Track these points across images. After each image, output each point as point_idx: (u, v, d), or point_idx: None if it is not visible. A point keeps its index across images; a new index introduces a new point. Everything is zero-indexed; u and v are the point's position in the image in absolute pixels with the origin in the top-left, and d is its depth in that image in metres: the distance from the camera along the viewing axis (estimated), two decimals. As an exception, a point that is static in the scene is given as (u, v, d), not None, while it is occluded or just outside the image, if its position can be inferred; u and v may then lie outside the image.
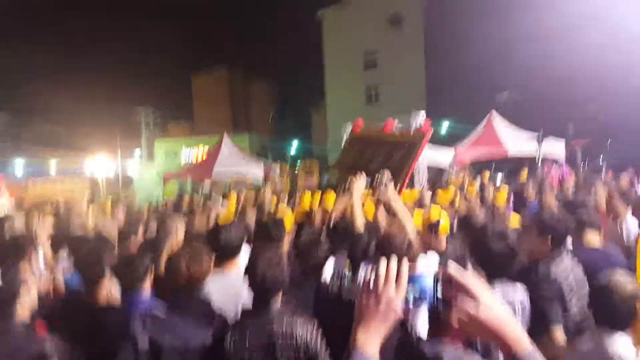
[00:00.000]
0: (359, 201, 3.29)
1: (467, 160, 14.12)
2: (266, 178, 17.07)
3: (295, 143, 35.34)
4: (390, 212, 3.52)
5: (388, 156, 4.34)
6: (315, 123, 40.42)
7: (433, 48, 29.21)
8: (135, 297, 2.54)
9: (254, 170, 16.02)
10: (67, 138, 38.92)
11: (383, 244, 2.54)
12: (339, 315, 2.57)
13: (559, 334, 2.41)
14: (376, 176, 3.51)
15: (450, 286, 0.99)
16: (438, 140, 19.38)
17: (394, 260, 1.03)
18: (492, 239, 2.31)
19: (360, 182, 3.34)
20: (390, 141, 4.57)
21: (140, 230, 4.60)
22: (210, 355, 2.19)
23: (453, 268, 1.01)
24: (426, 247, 3.01)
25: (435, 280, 1.01)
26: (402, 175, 3.81)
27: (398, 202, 3.40)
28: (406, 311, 1.02)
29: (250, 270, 2.24)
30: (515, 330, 0.96)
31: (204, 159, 17.12)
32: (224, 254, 2.85)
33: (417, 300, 1.01)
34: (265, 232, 3.37)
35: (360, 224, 3.16)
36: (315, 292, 2.79)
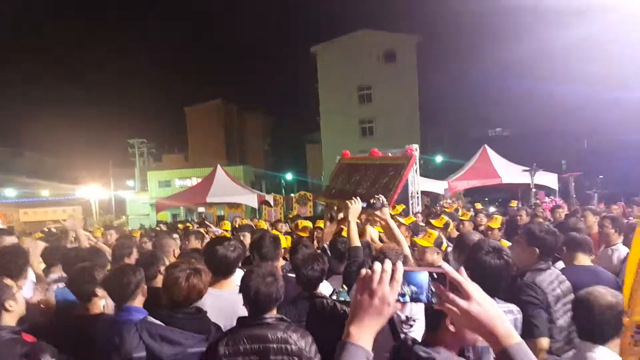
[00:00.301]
0: (354, 223, 3.32)
1: (461, 188, 14.30)
2: (260, 207, 17.11)
3: (289, 175, 35.53)
4: (385, 233, 3.55)
5: (375, 180, 4.41)
6: (310, 155, 40.76)
7: (426, 83, 30.08)
8: (128, 311, 2.54)
9: (248, 199, 16.04)
10: (59, 168, 38.94)
11: (378, 257, 2.55)
12: (332, 330, 2.59)
13: (544, 343, 2.43)
14: (374, 198, 3.56)
15: (443, 284, 1.02)
16: (430, 173, 19.72)
17: (389, 261, 1.06)
18: (488, 253, 2.34)
19: (356, 205, 3.39)
20: (378, 164, 4.66)
21: (134, 252, 4.59)
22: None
23: (447, 266, 1.04)
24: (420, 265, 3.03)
25: (430, 278, 1.03)
26: (388, 197, 3.86)
27: (393, 223, 3.45)
28: (400, 307, 1.04)
29: (244, 286, 2.24)
30: (505, 325, 0.99)
31: (197, 187, 17.11)
32: (220, 271, 2.83)
33: (412, 296, 1.03)
34: (261, 250, 3.37)
35: (357, 243, 3.18)
36: (310, 308, 2.79)
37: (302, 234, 5.42)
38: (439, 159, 28.74)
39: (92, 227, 8.73)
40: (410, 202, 10.25)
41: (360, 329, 1.01)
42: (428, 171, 20.28)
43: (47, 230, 8.65)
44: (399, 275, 1.02)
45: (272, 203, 17.69)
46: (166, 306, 2.28)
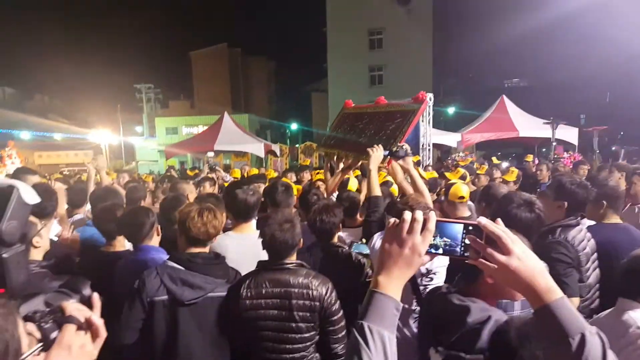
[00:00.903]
0: (375, 172, 3.20)
1: (474, 141, 14.02)
2: (266, 157, 17.06)
3: (294, 125, 35.08)
4: (403, 184, 3.43)
5: (380, 128, 4.21)
6: (316, 105, 39.99)
7: (441, 29, 28.50)
8: (146, 250, 2.59)
9: (255, 148, 15.94)
10: (69, 111, 38.93)
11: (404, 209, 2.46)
12: (347, 279, 2.62)
13: (576, 303, 2.36)
14: (396, 146, 3.42)
15: (479, 237, 0.95)
16: (442, 125, 19.32)
17: (420, 211, 0.98)
18: (519, 206, 2.25)
19: (377, 153, 3.25)
20: (384, 112, 4.43)
21: (149, 197, 4.60)
22: (226, 305, 2.19)
23: (484, 219, 0.96)
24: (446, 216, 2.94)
25: (464, 230, 0.97)
26: (394, 145, 3.69)
27: (416, 173, 3.33)
28: (430, 258, 0.99)
29: (261, 232, 2.23)
30: (547, 280, 0.93)
31: (205, 134, 17.00)
32: (241, 215, 2.84)
33: (444, 249, 0.98)
34: (275, 198, 3.35)
35: (378, 193, 3.09)
36: (325, 256, 2.80)
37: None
38: (451, 110, 27.92)
39: (106, 171, 8.74)
40: (421, 155, 10.10)
41: (389, 278, 0.97)
42: (440, 123, 19.87)
43: (63, 172, 8.68)
44: (432, 225, 0.96)
45: (278, 153, 17.62)
46: (185, 251, 2.26)
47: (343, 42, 29.59)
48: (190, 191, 4.14)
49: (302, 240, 2.29)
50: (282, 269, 2.16)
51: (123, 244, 2.88)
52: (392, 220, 1.00)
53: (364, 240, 3.16)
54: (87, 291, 1.05)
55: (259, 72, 48.45)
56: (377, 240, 2.70)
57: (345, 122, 4.86)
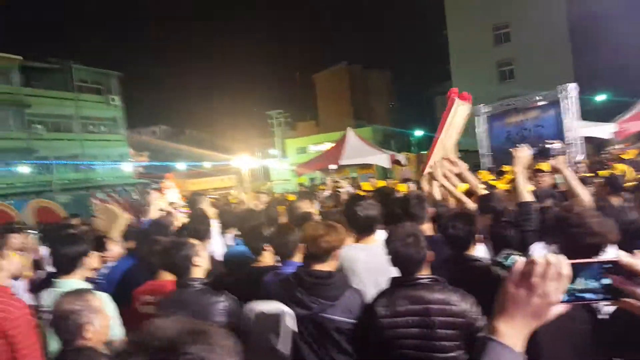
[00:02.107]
0: (522, 174, 2.92)
1: (634, 130, 12.09)
2: (393, 166, 16.92)
3: (419, 131, 34.30)
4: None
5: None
6: (440, 109, 38.55)
7: (577, 4, 25.24)
8: (290, 265, 2.73)
9: (380, 159, 15.93)
10: (214, 141, 44.10)
11: (566, 219, 2.07)
12: (484, 296, 2.38)
13: None
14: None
15: (619, 274, 0.81)
16: (591, 115, 16.93)
17: (558, 255, 0.85)
18: None
19: (523, 153, 2.97)
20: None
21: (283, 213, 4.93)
22: (360, 325, 2.18)
23: (624, 255, 0.82)
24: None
25: (602, 268, 0.83)
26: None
27: (571, 175, 2.99)
28: (565, 306, 0.85)
29: (385, 248, 2.18)
30: None
31: (330, 151, 17.58)
32: (363, 229, 2.86)
33: (579, 293, 0.84)
34: (408, 210, 3.22)
35: (527, 198, 2.80)
36: (458, 270, 2.58)
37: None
38: (600, 97, 24.45)
39: (247, 193, 9.63)
40: (568, 152, 9.04)
41: (511, 327, 0.84)
42: (588, 113, 17.52)
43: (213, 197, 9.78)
44: (568, 270, 0.82)
45: (403, 162, 17.34)
46: (307, 267, 2.34)
47: (466, 41, 28.41)
48: (307, 207, 4.32)
49: (432, 253, 2.17)
50: (415, 285, 2.08)
51: (271, 259, 3.08)
52: (520, 260, 0.88)
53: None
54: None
55: (379, 84, 48.96)
56: (535, 252, 2.44)
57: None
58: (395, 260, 2.12)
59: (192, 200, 5.38)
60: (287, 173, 33.84)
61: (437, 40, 32.35)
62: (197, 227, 3.46)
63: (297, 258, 2.83)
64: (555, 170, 3.01)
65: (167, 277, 2.91)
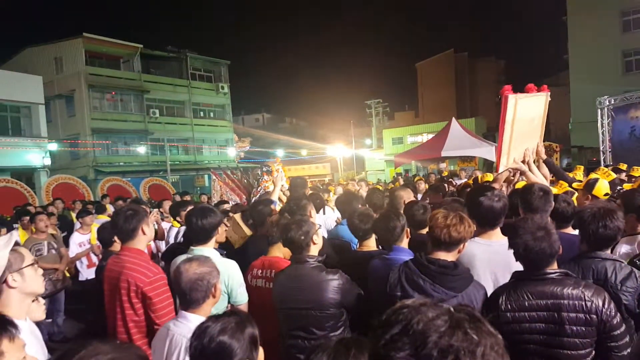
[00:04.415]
0: None
1: None
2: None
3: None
4: None
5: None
6: (553, 100, 35.24)
7: None
8: (397, 250, 2.77)
9: (484, 152, 15.09)
10: (310, 130, 45.33)
11: None
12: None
13: None
14: None
15: None
16: None
17: None
18: None
19: None
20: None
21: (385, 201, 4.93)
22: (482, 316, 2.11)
23: None
24: None
25: None
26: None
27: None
28: None
29: (512, 243, 2.06)
30: None
31: (433, 141, 17.05)
32: (487, 222, 2.70)
33: None
34: (531, 203, 3.01)
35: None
36: (594, 269, 2.36)
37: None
38: None
39: (344, 181, 9.81)
40: None
41: None
42: None
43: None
44: None
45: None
46: (431, 255, 2.29)
47: (588, 28, 25.47)
48: (408, 197, 4.23)
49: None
50: (544, 279, 1.97)
51: (373, 245, 3.15)
52: None
53: None
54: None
55: (486, 74, 46.07)
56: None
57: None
58: (525, 255, 2.01)
59: (296, 184, 5.59)
60: (381, 163, 33.64)
61: (553, 29, 29.57)
62: (292, 209, 3.61)
63: (404, 244, 2.85)
64: None
65: (278, 254, 3.10)
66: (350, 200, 4.23)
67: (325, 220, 5.18)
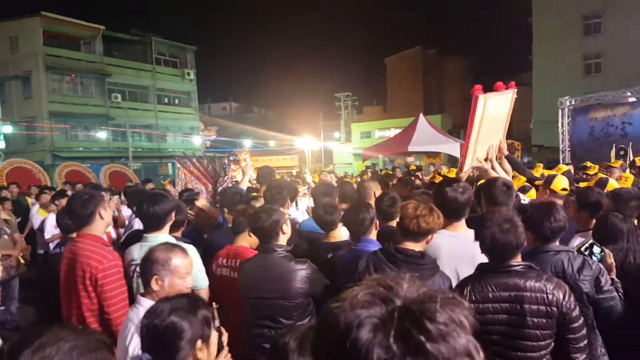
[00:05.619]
0: None
1: None
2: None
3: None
4: None
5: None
6: (517, 100, 36.45)
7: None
8: (365, 242, 2.77)
9: (450, 148, 15.41)
10: (279, 121, 45.00)
11: None
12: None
13: None
14: None
15: None
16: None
17: None
18: None
19: None
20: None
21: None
22: None
23: None
24: None
25: None
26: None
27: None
28: None
29: (479, 234, 2.09)
30: None
31: (399, 136, 17.26)
32: (452, 213, 2.72)
33: None
34: (494, 197, 3.08)
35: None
36: (548, 262, 2.44)
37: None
38: None
39: (312, 173, 9.79)
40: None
41: None
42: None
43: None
44: None
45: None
46: (399, 244, 2.31)
47: (552, 30, 26.38)
48: (375, 189, 4.26)
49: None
50: (508, 272, 2.01)
51: (340, 235, 3.12)
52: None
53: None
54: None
55: (453, 71, 46.96)
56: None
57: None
58: (491, 247, 2.04)
59: (264, 173, 5.51)
60: (349, 156, 33.83)
61: (519, 29, 30.52)
62: (274, 197, 3.57)
63: (372, 236, 2.85)
64: None
65: (244, 244, 3.04)
66: (330, 192, 4.19)
67: (303, 211, 5.14)
